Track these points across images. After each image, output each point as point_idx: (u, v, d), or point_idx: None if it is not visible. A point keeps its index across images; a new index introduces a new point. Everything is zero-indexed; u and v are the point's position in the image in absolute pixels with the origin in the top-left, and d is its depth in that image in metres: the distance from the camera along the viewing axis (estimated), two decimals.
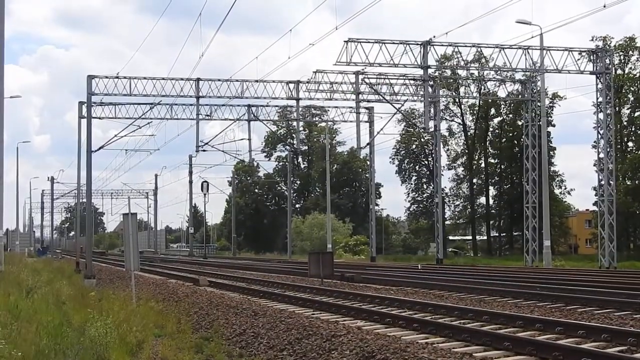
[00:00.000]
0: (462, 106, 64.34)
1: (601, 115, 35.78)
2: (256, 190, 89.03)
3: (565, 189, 62.92)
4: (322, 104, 45.70)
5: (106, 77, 36.62)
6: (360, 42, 32.85)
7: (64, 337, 9.71)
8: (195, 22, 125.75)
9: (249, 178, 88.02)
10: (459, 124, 65.90)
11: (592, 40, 51.87)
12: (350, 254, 57.30)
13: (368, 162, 58.23)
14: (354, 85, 38.18)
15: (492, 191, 66.66)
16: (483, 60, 46.86)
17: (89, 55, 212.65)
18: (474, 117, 64.89)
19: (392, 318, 12.38)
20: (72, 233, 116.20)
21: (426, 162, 70.58)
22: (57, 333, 9.86)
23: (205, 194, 68.68)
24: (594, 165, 39.64)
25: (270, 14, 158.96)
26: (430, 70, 36.24)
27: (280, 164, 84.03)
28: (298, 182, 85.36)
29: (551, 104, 56.45)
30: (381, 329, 11.57)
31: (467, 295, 17.44)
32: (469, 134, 65.87)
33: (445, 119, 63.25)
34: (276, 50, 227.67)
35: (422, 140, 68.07)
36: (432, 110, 38.82)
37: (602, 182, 35.75)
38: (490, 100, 59.27)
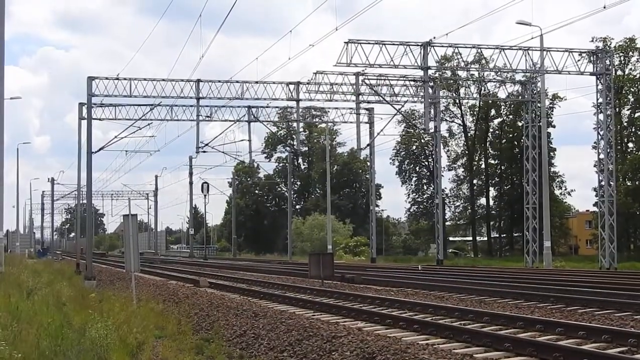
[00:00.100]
0: (462, 107, 64.37)
1: (601, 116, 35.76)
2: (256, 192, 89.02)
3: (566, 189, 63.00)
4: (322, 105, 45.71)
5: (106, 79, 36.61)
6: (360, 43, 32.85)
7: (65, 338, 9.70)
8: (195, 24, 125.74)
9: (249, 179, 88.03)
10: (459, 125, 65.97)
11: (592, 41, 51.98)
12: (351, 255, 57.28)
13: (368, 163, 58.26)
14: (354, 86, 38.18)
15: (492, 192, 66.71)
16: (483, 61, 46.88)
17: (88, 56, 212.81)
18: (474, 118, 64.90)
19: (393, 319, 12.38)
20: (73, 234, 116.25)
21: (426, 163, 70.58)
22: (57, 334, 9.85)
23: (205, 195, 68.74)
24: (594, 166, 39.61)
25: (270, 15, 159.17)
26: (430, 71, 36.25)
27: (281, 165, 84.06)
28: (298, 183, 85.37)
29: (551, 105, 56.43)
30: (382, 330, 11.57)
31: (467, 296, 17.44)
32: (469, 134, 65.88)
33: (446, 120, 63.34)
34: (276, 51, 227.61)
35: (422, 141, 68.08)
36: (432, 111, 38.82)
37: (603, 183, 35.73)
38: (490, 101, 59.28)
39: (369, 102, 42.16)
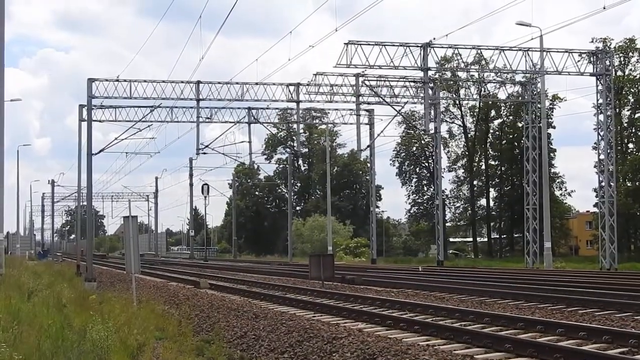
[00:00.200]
0: (463, 108, 64.35)
1: (601, 117, 35.76)
2: (257, 193, 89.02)
3: (566, 190, 62.97)
4: (323, 107, 45.69)
5: (106, 80, 36.57)
6: (360, 44, 32.87)
7: (65, 340, 9.70)
8: (195, 25, 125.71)
9: (249, 180, 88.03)
10: (459, 125, 65.96)
11: (592, 41, 52.02)
12: (351, 256, 57.29)
13: (368, 165, 58.28)
14: (354, 88, 38.18)
15: (492, 193, 66.70)
16: (483, 62, 46.97)
17: (88, 58, 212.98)
18: (474, 119, 64.90)
19: (393, 320, 12.38)
20: (73, 236, 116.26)
21: (426, 164, 70.60)
22: (58, 336, 9.86)
23: (205, 197, 68.75)
24: (595, 166, 39.66)
25: (270, 16, 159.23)
26: (430, 72, 36.25)
27: (281, 166, 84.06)
28: (298, 184, 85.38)
29: (551, 106, 56.42)
30: (382, 331, 11.57)
31: (468, 297, 17.44)
32: (469, 135, 65.88)
33: (446, 121, 63.33)
34: (276, 52, 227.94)
35: (423, 142, 68.09)
36: (432, 112, 38.82)
37: (603, 184, 35.73)
38: (490, 102, 59.28)
39: (369, 103, 42.17)
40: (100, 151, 36.84)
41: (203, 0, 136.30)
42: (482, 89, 53.98)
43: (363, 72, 36.11)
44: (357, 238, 63.01)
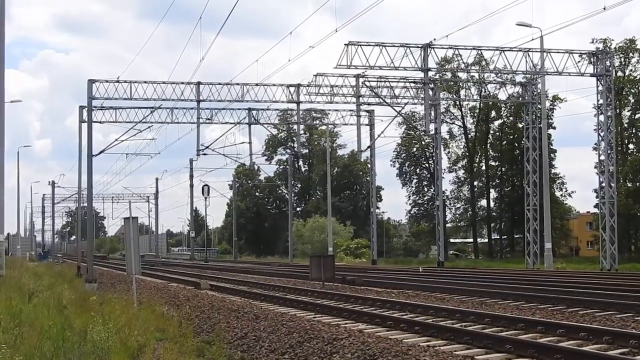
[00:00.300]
0: (463, 109, 64.38)
1: (602, 118, 35.76)
2: (257, 194, 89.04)
3: (566, 191, 62.96)
4: (323, 107, 45.67)
5: (106, 81, 36.56)
6: (360, 45, 32.87)
7: (66, 341, 9.70)
8: (195, 26, 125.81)
9: (249, 181, 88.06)
10: (460, 126, 65.98)
11: (593, 42, 52.03)
12: (352, 257, 57.30)
13: (369, 165, 58.27)
14: (355, 88, 38.18)
15: (493, 194, 66.71)
16: (483, 62, 46.98)
17: (89, 59, 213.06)
18: (475, 119, 64.92)
19: (394, 321, 12.37)
20: (73, 237, 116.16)
21: (427, 165, 70.62)
22: (58, 337, 9.86)
23: (206, 198, 68.76)
24: (595, 167, 39.71)
25: (270, 17, 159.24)
26: (430, 73, 36.25)
27: (281, 167, 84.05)
28: (299, 185, 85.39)
29: (552, 107, 56.42)
30: (383, 332, 11.56)
31: (468, 298, 17.43)
32: (469, 136, 65.88)
33: (446, 121, 63.36)
34: (276, 53, 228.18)
35: (423, 143, 68.11)
36: (432, 113, 38.81)
37: (603, 184, 35.73)
38: (490, 103, 59.29)
39: (369, 104, 42.15)
40: (100, 152, 36.90)
41: (203, 2, 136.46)
42: (483, 90, 53.96)
43: (363, 72, 36.13)
44: (357, 239, 63.01)
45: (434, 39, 33.81)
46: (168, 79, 38.67)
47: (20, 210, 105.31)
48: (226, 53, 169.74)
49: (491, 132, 64.85)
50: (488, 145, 65.12)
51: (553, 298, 15.93)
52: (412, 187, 71.81)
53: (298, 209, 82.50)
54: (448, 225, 66.94)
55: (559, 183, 61.65)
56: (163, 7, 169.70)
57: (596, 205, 42.27)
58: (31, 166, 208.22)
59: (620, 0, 26.79)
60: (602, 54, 37.11)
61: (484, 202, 67.30)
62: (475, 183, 66.65)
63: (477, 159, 66.77)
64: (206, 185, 68.77)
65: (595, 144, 38.91)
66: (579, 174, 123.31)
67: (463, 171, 67.52)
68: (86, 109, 36.03)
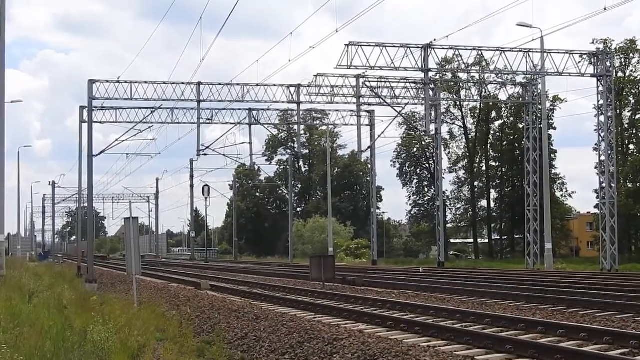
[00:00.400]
0: (463, 109, 64.41)
1: (602, 118, 35.74)
2: (257, 194, 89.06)
3: (567, 191, 62.98)
4: (323, 108, 45.69)
5: (107, 82, 36.55)
6: (361, 45, 32.86)
7: (66, 341, 9.71)
8: (195, 27, 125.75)
9: (250, 182, 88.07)
10: (460, 127, 66.00)
11: (593, 42, 51.98)
12: (352, 257, 57.30)
13: (369, 166, 58.24)
14: (355, 89, 38.17)
15: (493, 194, 66.72)
16: (484, 63, 46.96)
17: (89, 59, 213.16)
18: (475, 120, 64.92)
19: (394, 321, 12.37)
20: (74, 237, 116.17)
21: (427, 165, 70.63)
22: (59, 337, 9.86)
23: (206, 198, 68.75)
24: (595, 167, 39.67)
25: (270, 18, 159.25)
26: (431, 74, 36.18)
27: (281, 167, 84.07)
28: (299, 185, 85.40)
29: (552, 107, 56.41)
30: (383, 332, 11.56)
31: (468, 298, 17.43)
32: (470, 137, 65.88)
33: (446, 122, 63.37)
34: (277, 53, 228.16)
35: (423, 143, 68.10)
36: (433, 113, 38.81)
37: (604, 185, 35.71)
38: (491, 103, 59.30)
39: (369, 104, 42.18)
40: (101, 152, 36.91)
41: (203, 2, 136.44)
42: (483, 90, 53.99)
43: (364, 73, 36.11)
44: (357, 239, 63.02)
45: (434, 40, 33.80)
46: (168, 79, 38.76)
47: (21, 210, 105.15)
48: (226, 53, 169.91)
49: (491, 132, 64.85)
50: (488, 145, 65.13)
51: (553, 298, 15.92)
52: (413, 187, 71.88)
53: (298, 209, 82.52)
54: (448, 225, 66.94)
55: (559, 183, 61.66)
56: (163, 7, 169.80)
57: (596, 206, 42.30)
58: (31, 166, 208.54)
59: (621, 0, 26.79)
60: (602, 54, 37.10)
61: (484, 203, 67.35)
62: (476, 183, 66.66)
63: (478, 159, 66.77)
64: (206, 185, 68.82)
65: (596, 144, 38.89)
66: (579, 174, 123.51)
67: (463, 171, 67.57)
68: (86, 109, 36.05)
